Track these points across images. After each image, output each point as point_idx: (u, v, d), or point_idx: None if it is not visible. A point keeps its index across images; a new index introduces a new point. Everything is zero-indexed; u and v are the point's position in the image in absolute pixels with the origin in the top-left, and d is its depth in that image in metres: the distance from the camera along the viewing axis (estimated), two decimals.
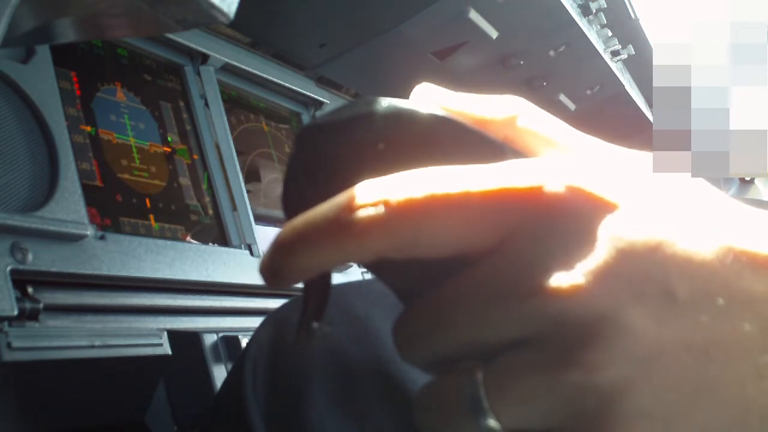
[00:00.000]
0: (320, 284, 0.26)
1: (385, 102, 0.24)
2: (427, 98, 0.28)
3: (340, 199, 0.23)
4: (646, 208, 0.21)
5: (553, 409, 0.20)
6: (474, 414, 0.21)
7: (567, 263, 0.20)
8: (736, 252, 0.21)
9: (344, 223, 0.22)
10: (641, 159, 0.25)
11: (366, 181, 0.23)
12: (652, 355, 0.19)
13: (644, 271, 0.20)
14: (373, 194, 0.22)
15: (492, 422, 0.20)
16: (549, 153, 0.26)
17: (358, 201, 0.22)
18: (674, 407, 0.19)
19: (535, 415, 0.20)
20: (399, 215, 0.22)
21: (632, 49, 1.35)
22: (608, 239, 0.21)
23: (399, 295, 0.25)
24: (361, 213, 0.22)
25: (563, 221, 0.21)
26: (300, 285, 0.26)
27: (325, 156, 0.25)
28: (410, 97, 0.28)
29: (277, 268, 0.24)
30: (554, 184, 0.21)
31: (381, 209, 0.22)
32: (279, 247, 0.24)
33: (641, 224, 0.21)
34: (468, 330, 0.21)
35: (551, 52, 1.17)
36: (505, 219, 0.22)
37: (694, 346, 0.20)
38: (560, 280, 0.20)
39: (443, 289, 0.22)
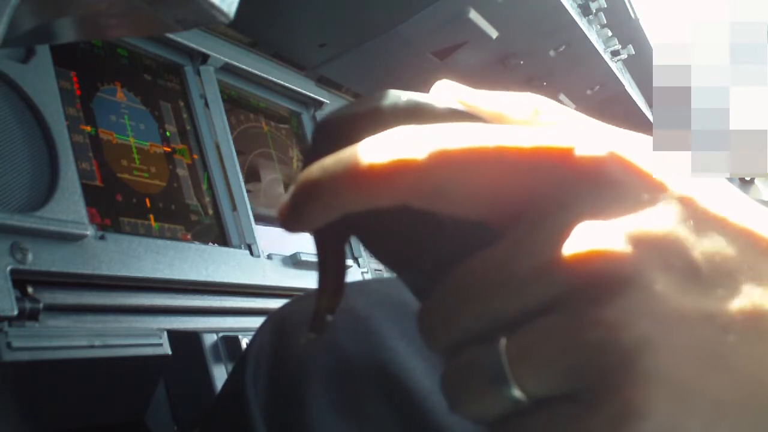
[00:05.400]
0: (335, 277, 0.26)
1: (404, 95, 0.25)
2: (448, 94, 0.28)
3: (373, 138, 0.23)
4: (676, 185, 0.22)
5: (574, 370, 0.20)
6: (498, 384, 0.21)
7: (598, 227, 0.21)
8: (757, 237, 0.21)
9: (374, 160, 0.22)
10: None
11: (402, 126, 0.23)
12: (673, 319, 0.20)
13: (671, 243, 0.21)
14: (407, 138, 0.22)
15: (516, 391, 0.21)
16: None
17: (392, 141, 0.22)
18: (690, 376, 0.20)
19: (556, 377, 0.20)
20: (432, 161, 0.22)
21: (632, 49, 1.35)
22: (639, 207, 0.21)
23: (414, 291, 0.26)
24: (395, 153, 0.22)
25: (595, 184, 0.21)
26: (303, 285, 0.26)
27: (343, 148, 0.25)
28: (430, 93, 0.28)
29: (299, 206, 0.23)
30: (592, 147, 0.22)
31: (415, 153, 0.22)
32: (305, 184, 0.23)
33: (671, 199, 0.22)
34: (500, 301, 0.21)
35: (551, 52, 1.17)
36: (537, 178, 0.22)
37: (714, 319, 0.20)
38: (592, 242, 0.20)
39: (472, 262, 0.22)
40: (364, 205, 0.23)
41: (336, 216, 0.24)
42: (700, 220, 0.21)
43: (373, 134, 0.24)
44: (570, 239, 0.21)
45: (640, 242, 0.20)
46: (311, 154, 0.26)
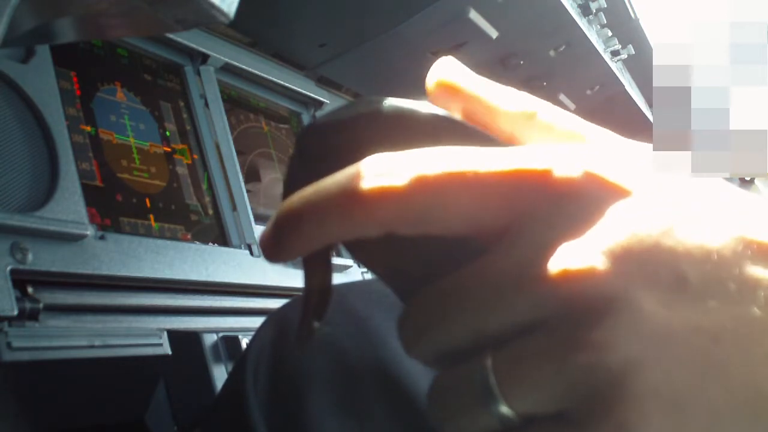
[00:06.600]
0: (322, 283, 0.26)
1: (387, 101, 0.25)
2: (448, 74, 0.28)
3: (353, 169, 0.23)
4: (660, 195, 0.22)
5: (565, 391, 0.20)
6: (485, 402, 0.21)
7: (579, 245, 0.20)
8: (747, 240, 0.21)
9: (356, 192, 0.22)
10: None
11: (379, 153, 0.23)
12: (662, 336, 0.20)
13: (656, 255, 0.20)
14: (386, 166, 0.22)
15: (504, 409, 0.20)
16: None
17: (372, 171, 0.22)
18: (684, 389, 0.20)
19: (546, 398, 0.20)
20: (411, 187, 0.22)
21: (632, 49, 1.35)
22: (621, 223, 0.21)
23: (399, 295, 0.25)
24: (374, 182, 0.22)
25: (575, 204, 0.21)
26: (301, 285, 0.26)
27: (327, 154, 0.25)
28: (432, 71, 0.28)
29: (280, 237, 0.23)
30: (567, 168, 0.21)
31: (394, 180, 0.22)
32: (286, 215, 0.23)
33: (654, 210, 0.21)
34: (478, 317, 0.21)
35: (551, 52, 1.17)
36: (516, 200, 0.22)
37: (704, 330, 0.20)
38: (572, 261, 0.20)
39: (451, 276, 0.22)
40: (347, 236, 0.23)
41: (319, 246, 0.23)
42: (687, 227, 0.21)
43: (356, 141, 0.24)
44: (552, 259, 0.20)
45: (623, 258, 0.20)
46: (294, 162, 0.26)
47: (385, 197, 0.22)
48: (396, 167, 0.22)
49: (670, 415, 0.19)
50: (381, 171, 0.22)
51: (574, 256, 0.20)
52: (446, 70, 0.28)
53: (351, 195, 0.22)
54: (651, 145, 0.25)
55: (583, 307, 0.20)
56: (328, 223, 0.23)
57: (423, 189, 0.22)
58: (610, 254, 0.20)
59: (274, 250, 0.24)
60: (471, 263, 0.22)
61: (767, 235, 0.21)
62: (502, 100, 0.27)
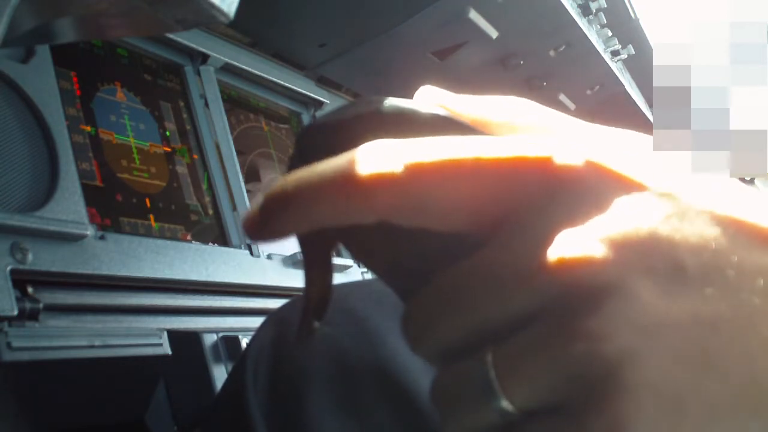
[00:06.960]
0: (322, 282, 0.26)
1: (388, 101, 0.25)
2: (430, 100, 0.28)
3: (351, 154, 0.22)
4: (657, 184, 0.21)
5: (562, 382, 0.20)
6: (486, 397, 0.21)
7: (576, 233, 0.20)
8: (746, 227, 0.21)
9: (352, 175, 0.22)
10: (648, 142, 0.25)
11: (379, 140, 0.23)
12: (659, 327, 0.19)
13: (654, 244, 0.20)
14: (385, 153, 0.22)
15: (505, 404, 0.20)
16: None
17: (370, 157, 0.22)
18: (682, 380, 0.19)
19: (544, 390, 0.20)
20: (410, 175, 0.21)
21: (632, 49, 1.35)
22: (620, 211, 0.21)
23: (400, 295, 0.26)
24: (373, 168, 0.22)
25: (575, 193, 0.21)
26: (301, 285, 0.26)
27: (327, 154, 0.25)
28: (413, 98, 0.28)
29: (268, 215, 0.23)
30: (568, 156, 0.21)
31: (393, 167, 0.22)
32: (277, 194, 0.23)
33: (652, 198, 0.21)
34: (478, 313, 0.21)
35: (551, 52, 1.18)
36: (514, 189, 0.22)
37: (702, 320, 0.20)
38: (569, 249, 0.20)
39: (450, 272, 0.22)
40: (338, 220, 0.22)
41: (307, 229, 0.23)
42: (685, 215, 0.21)
43: (356, 141, 0.24)
44: (550, 248, 0.20)
45: (621, 246, 0.20)
46: (294, 162, 0.26)
47: (381, 183, 0.22)
48: (394, 154, 0.22)
49: (666, 408, 0.19)
50: (378, 157, 0.22)
51: (572, 244, 0.20)
52: (430, 96, 0.28)
53: (346, 178, 0.22)
54: (646, 136, 0.25)
55: (580, 295, 0.20)
56: (320, 204, 0.22)
57: (420, 176, 0.21)
58: (608, 242, 0.20)
59: (258, 227, 0.23)
60: (469, 257, 0.22)
61: (765, 220, 0.21)
62: (487, 111, 0.27)
